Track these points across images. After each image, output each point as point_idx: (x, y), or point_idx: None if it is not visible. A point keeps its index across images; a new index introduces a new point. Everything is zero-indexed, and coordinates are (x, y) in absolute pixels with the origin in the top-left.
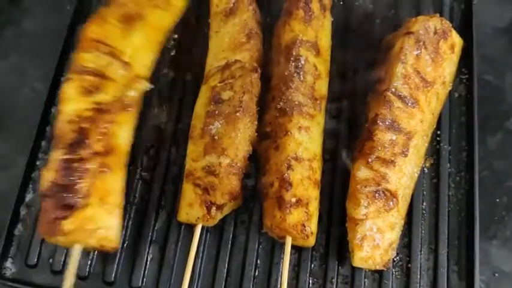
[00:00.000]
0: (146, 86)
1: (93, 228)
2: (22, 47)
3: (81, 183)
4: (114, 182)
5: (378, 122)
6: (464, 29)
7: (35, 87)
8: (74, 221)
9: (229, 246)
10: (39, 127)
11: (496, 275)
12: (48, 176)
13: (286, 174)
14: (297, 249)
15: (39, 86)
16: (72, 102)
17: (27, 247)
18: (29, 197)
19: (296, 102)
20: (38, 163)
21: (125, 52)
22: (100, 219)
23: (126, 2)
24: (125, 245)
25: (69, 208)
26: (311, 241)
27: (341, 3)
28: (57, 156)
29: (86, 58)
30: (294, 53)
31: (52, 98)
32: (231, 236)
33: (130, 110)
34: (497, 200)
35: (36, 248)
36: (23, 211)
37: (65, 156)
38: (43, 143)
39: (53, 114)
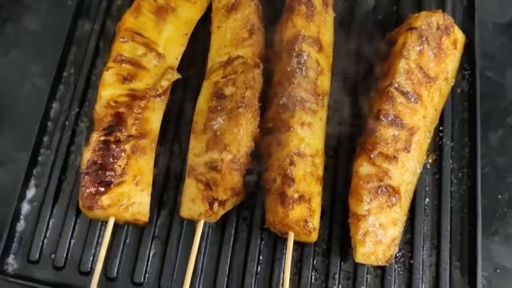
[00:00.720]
0: (176, 76)
1: (128, 203)
2: (23, 43)
3: (117, 162)
4: (146, 163)
5: (381, 117)
6: (467, 24)
7: (36, 84)
8: (110, 196)
9: (232, 242)
10: (40, 123)
11: (498, 271)
12: (87, 155)
13: (288, 170)
14: (299, 245)
15: (41, 82)
16: (110, 89)
17: (29, 243)
18: (30, 192)
19: (298, 98)
20: (39, 159)
21: (158, 44)
22: (134, 196)
23: None
24: (127, 240)
25: (107, 185)
26: (313, 237)
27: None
28: (96, 137)
29: (123, 48)
30: (296, 49)
31: (53, 93)
32: (233, 231)
33: (162, 98)
34: (499, 196)
35: (38, 244)
36: (24, 207)
37: (103, 138)
38: (45, 139)
39: (54, 110)
